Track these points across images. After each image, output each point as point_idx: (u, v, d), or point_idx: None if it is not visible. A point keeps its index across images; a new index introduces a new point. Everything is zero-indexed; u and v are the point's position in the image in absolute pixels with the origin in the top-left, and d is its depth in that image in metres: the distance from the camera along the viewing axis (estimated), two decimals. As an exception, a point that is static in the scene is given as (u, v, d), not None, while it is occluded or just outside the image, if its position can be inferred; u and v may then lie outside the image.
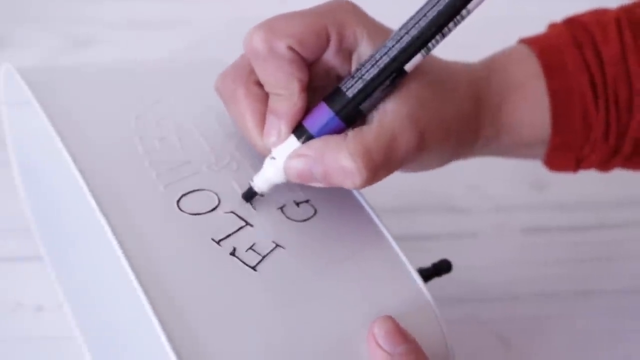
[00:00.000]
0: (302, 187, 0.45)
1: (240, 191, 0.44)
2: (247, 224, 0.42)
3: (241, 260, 0.41)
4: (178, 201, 0.42)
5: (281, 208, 0.44)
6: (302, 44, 0.41)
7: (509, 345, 0.59)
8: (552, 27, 0.53)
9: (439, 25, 0.40)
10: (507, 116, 0.50)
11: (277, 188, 0.43)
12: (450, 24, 0.40)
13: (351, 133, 0.41)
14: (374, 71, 0.41)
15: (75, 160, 0.42)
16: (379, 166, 0.41)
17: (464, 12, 0.40)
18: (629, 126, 0.50)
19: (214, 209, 0.42)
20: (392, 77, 0.41)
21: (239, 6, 0.77)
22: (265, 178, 0.42)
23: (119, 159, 0.43)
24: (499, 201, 0.68)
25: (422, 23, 0.40)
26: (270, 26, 0.41)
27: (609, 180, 0.59)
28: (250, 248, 0.41)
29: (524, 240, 0.66)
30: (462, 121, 0.46)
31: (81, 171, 0.41)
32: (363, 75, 0.41)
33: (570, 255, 0.66)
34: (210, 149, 0.45)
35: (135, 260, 0.38)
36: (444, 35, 0.40)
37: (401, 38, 0.40)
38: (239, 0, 0.78)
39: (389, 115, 0.41)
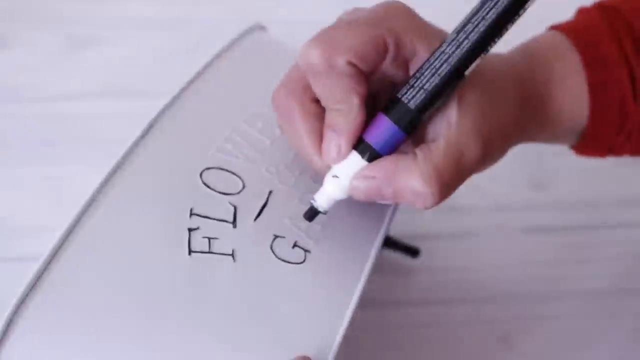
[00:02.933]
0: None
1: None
2: (233, 223, 0.42)
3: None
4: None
5: (272, 243, 0.43)
6: (361, 58, 0.39)
7: (509, 344, 0.59)
8: (584, 13, 0.52)
9: (499, 27, 0.39)
10: (550, 110, 0.49)
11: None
12: (509, 24, 0.39)
13: (420, 154, 0.40)
14: (435, 80, 0.39)
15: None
16: (450, 185, 0.40)
17: (521, 11, 0.39)
18: None
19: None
20: (453, 84, 0.40)
21: (239, 6, 0.77)
22: (327, 196, 0.42)
23: None
24: (499, 201, 0.68)
25: (482, 27, 0.39)
26: (328, 41, 0.39)
27: (609, 180, 0.59)
28: (212, 238, 0.41)
29: (524, 239, 0.66)
30: (515, 122, 0.46)
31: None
32: (424, 85, 0.39)
33: (571, 255, 0.66)
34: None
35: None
36: (501, 36, 0.39)
37: (461, 44, 0.39)
38: (238, 0, 0.78)
39: (454, 129, 0.41)
